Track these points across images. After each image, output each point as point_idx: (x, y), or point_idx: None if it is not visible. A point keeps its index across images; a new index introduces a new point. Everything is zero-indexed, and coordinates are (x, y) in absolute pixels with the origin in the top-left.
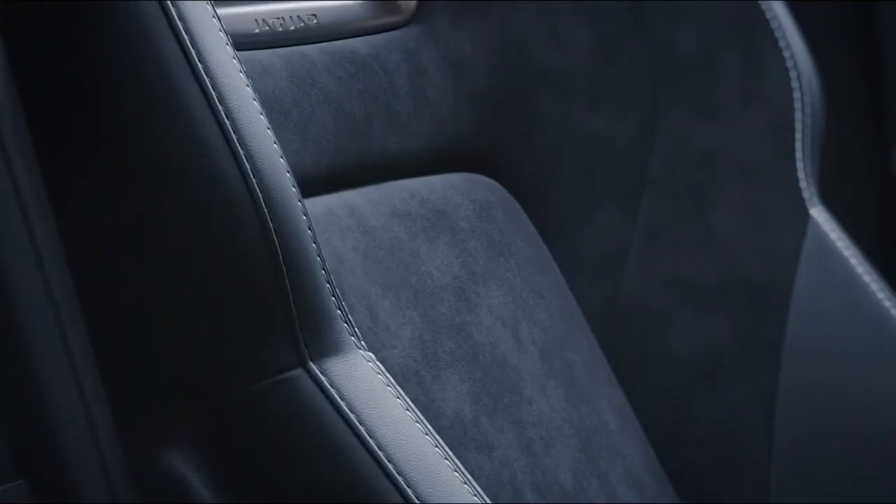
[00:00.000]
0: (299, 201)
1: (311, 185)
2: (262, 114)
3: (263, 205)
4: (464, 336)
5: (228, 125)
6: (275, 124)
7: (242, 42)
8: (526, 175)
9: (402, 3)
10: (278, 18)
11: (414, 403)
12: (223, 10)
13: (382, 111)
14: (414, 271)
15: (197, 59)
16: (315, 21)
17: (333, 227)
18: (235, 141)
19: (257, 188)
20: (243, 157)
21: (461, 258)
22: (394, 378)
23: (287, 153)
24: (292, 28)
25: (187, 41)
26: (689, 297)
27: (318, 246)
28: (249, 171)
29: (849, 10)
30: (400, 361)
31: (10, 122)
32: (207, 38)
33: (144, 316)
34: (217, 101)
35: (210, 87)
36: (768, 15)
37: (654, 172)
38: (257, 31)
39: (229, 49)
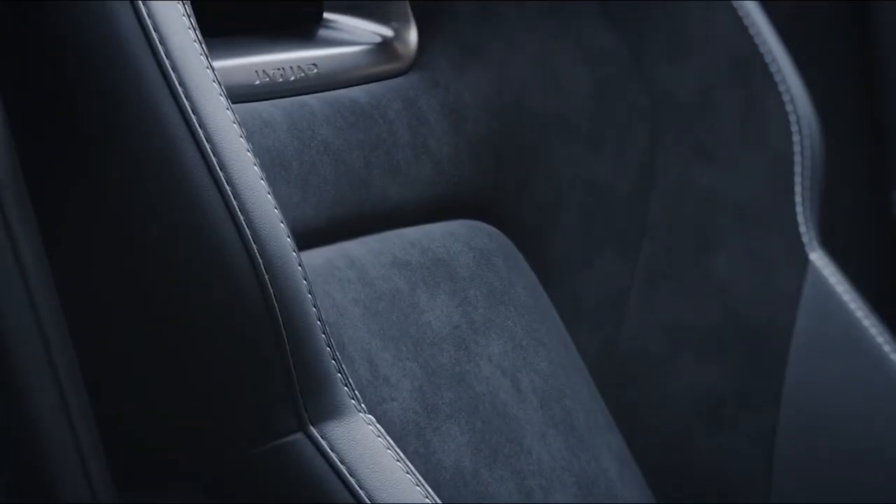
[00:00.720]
0: (300, 265)
1: (310, 237)
2: (262, 178)
3: (264, 271)
4: (464, 386)
5: (229, 191)
6: (275, 177)
7: (243, 94)
8: (526, 221)
9: (401, 49)
10: (279, 69)
11: (414, 456)
12: (223, 63)
13: (383, 160)
14: (414, 322)
15: (198, 125)
16: (315, 70)
17: (333, 279)
18: (236, 207)
19: (258, 254)
20: (244, 223)
21: (461, 307)
22: (394, 431)
23: (287, 206)
24: (292, 78)
25: (186, 104)
26: (689, 341)
27: (318, 310)
28: (250, 237)
29: (850, 51)
30: (400, 414)
31: (11, 193)
32: (204, 96)
33: (144, 376)
34: (217, 168)
35: (210, 152)
36: (767, 59)
37: (654, 217)
38: (257, 82)
39: (230, 114)
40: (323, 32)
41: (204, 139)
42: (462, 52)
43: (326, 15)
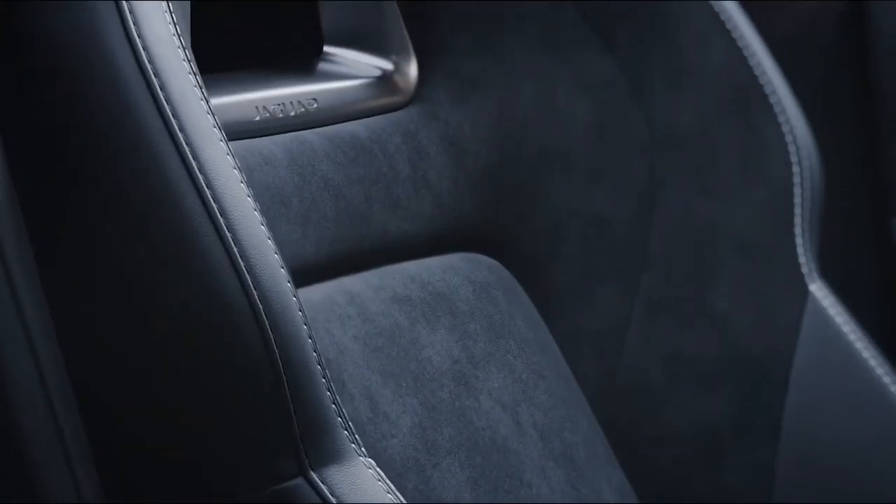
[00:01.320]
0: (300, 310)
1: (310, 273)
2: (263, 224)
3: (264, 317)
4: (464, 422)
5: (229, 237)
6: (276, 215)
7: (243, 130)
8: (526, 253)
9: (401, 82)
10: (279, 104)
11: (414, 493)
12: (223, 99)
13: (383, 195)
14: (414, 357)
15: (198, 171)
16: (315, 105)
17: (333, 315)
18: (236, 253)
19: (258, 300)
20: (244, 269)
21: (461, 342)
22: (394, 468)
23: (287, 243)
24: (293, 113)
25: (186, 150)
26: (688, 373)
27: (318, 354)
28: (250, 283)
29: (849, 80)
30: (400, 451)
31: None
32: (204, 142)
33: (143, 420)
34: (218, 214)
35: (211, 199)
36: (767, 89)
37: (654, 249)
38: (258, 118)
39: (230, 159)
40: (323, 66)
41: (204, 185)
42: (462, 85)
43: (326, 48)
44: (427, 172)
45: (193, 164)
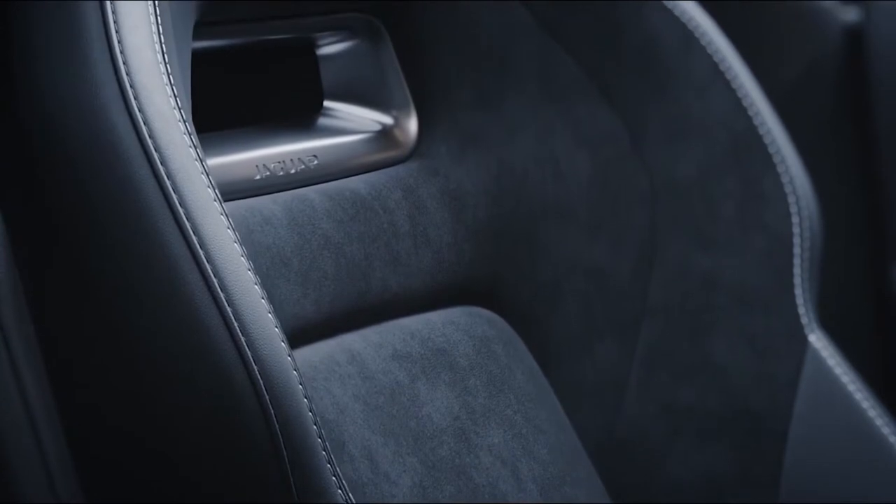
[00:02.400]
0: (300, 384)
1: (311, 332)
2: (264, 298)
3: (262, 386)
4: (464, 479)
5: (230, 312)
6: (276, 275)
7: (243, 189)
8: (526, 306)
9: (401, 137)
10: (279, 162)
11: None
12: (223, 158)
13: (383, 251)
14: (414, 415)
15: (199, 246)
16: (316, 162)
17: (334, 375)
18: (237, 328)
19: (258, 375)
20: (244, 344)
21: (461, 398)
22: None
23: (287, 302)
24: (293, 171)
25: (187, 225)
26: (688, 424)
27: (318, 427)
28: (251, 357)
29: (849, 128)
30: None
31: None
32: (205, 217)
33: (140, 485)
34: (219, 289)
35: (212, 274)
36: (766, 140)
37: (653, 300)
38: (258, 177)
39: (230, 233)
40: (323, 121)
41: (205, 260)
42: (462, 139)
43: (327, 103)
44: (427, 228)
45: (194, 238)
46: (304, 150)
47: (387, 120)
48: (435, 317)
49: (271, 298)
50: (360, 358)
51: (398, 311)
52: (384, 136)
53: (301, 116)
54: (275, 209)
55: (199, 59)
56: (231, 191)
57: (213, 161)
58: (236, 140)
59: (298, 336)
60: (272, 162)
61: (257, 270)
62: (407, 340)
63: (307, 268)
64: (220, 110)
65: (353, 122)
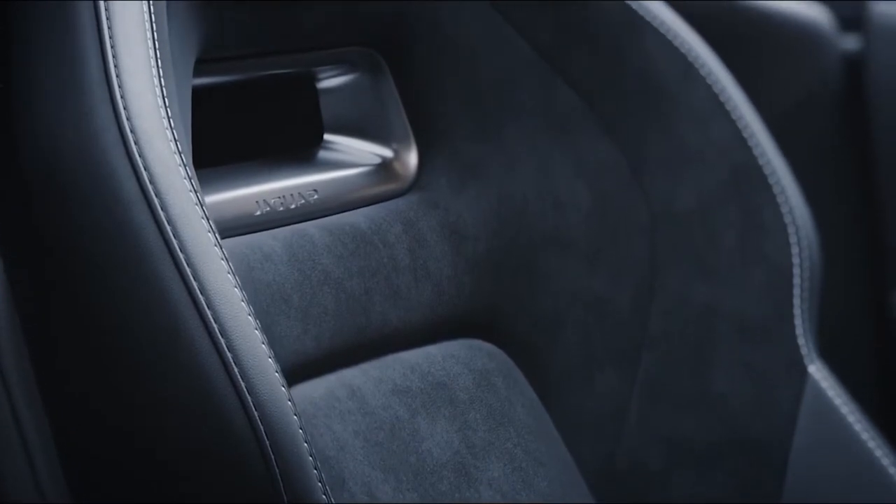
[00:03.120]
0: (301, 428)
1: (311, 368)
2: (264, 343)
3: (266, 438)
4: None
5: (230, 357)
6: (276, 312)
7: (243, 225)
8: (525, 338)
9: (401, 170)
10: (279, 197)
11: None
12: (224, 195)
13: (383, 286)
14: (414, 450)
15: (199, 292)
16: (316, 196)
17: (334, 411)
18: (237, 373)
19: (259, 420)
20: (245, 389)
21: (461, 432)
22: None
23: (288, 339)
24: (293, 206)
25: (188, 271)
26: (688, 455)
27: (318, 471)
28: (251, 403)
29: (849, 156)
30: None
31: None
32: (206, 263)
33: None
34: (219, 335)
35: (212, 319)
36: (766, 170)
37: (653, 330)
38: (258, 213)
39: (231, 277)
40: (323, 154)
41: (205, 305)
42: (462, 171)
43: (327, 136)
44: (427, 261)
45: (194, 284)
46: (305, 185)
47: (387, 153)
48: (435, 350)
49: (271, 335)
50: (361, 393)
51: (398, 344)
52: (384, 168)
53: (301, 150)
54: (275, 245)
55: (199, 94)
56: (231, 227)
57: (214, 197)
58: (236, 175)
59: (298, 372)
60: (272, 197)
61: (258, 308)
62: (407, 375)
63: (307, 304)
64: (220, 145)
65: (353, 155)
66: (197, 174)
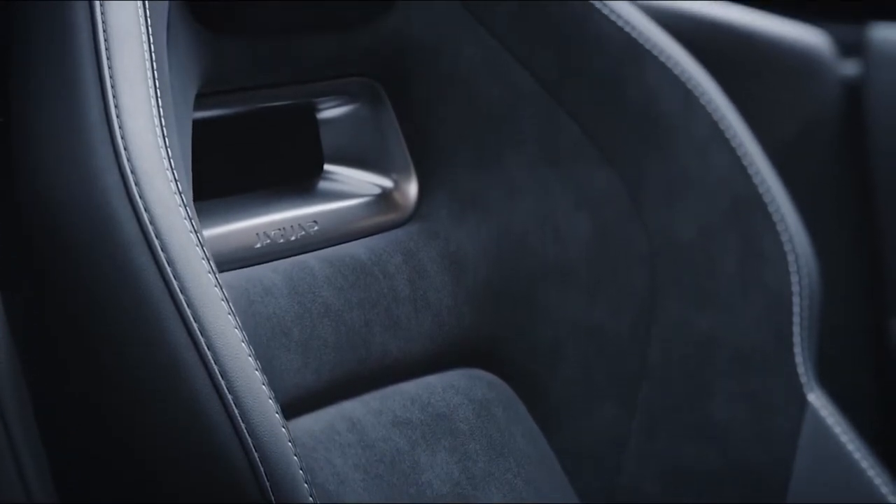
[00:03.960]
0: (301, 469)
1: (311, 400)
2: (265, 384)
3: (266, 479)
4: None
5: (230, 399)
6: (276, 345)
7: (244, 258)
8: (526, 368)
9: (401, 200)
10: (279, 229)
11: None
12: (224, 228)
13: (383, 317)
14: (414, 482)
15: (199, 333)
16: (316, 227)
17: (334, 444)
18: (237, 414)
19: (259, 462)
20: (245, 431)
21: (461, 463)
22: None
23: (288, 372)
24: (293, 238)
25: (188, 312)
26: (688, 485)
27: (314, 498)
28: (251, 444)
29: (848, 182)
30: None
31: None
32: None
33: None
34: (220, 376)
35: (212, 360)
36: (766, 199)
37: (653, 360)
38: (258, 245)
39: (231, 318)
40: (323, 185)
41: (206, 347)
42: (462, 201)
43: (327, 167)
44: (427, 291)
45: (195, 326)
46: (305, 217)
47: (387, 183)
48: (435, 380)
49: (272, 369)
50: (361, 426)
51: (398, 375)
52: (384, 199)
53: (301, 180)
54: (275, 278)
55: (198, 126)
56: (232, 260)
57: (215, 230)
58: (237, 207)
59: (298, 405)
60: (273, 229)
61: (258, 341)
62: (407, 406)
63: (307, 337)
64: (220, 176)
65: (353, 185)
66: (197, 206)
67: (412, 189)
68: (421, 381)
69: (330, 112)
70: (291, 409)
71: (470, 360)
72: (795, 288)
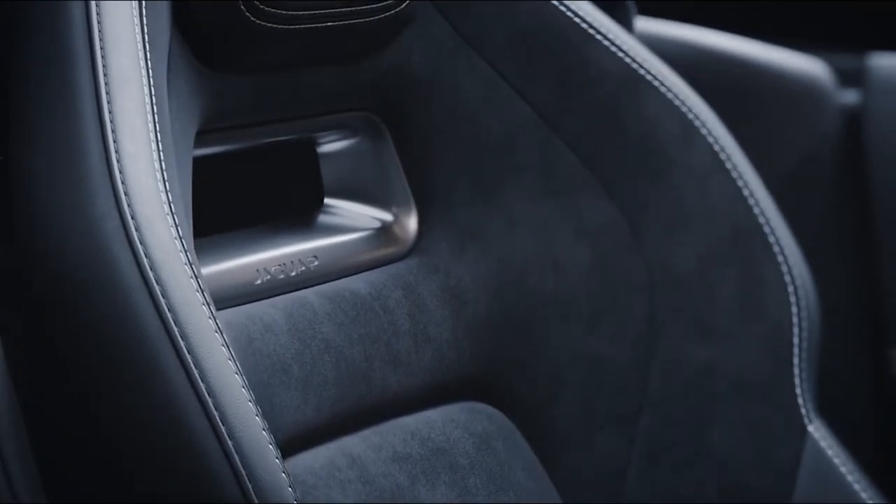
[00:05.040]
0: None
1: (311, 437)
2: (265, 429)
3: None
4: None
5: (231, 445)
6: (276, 383)
7: (244, 295)
8: (525, 400)
9: (401, 233)
10: (280, 265)
11: None
12: (224, 265)
13: (383, 352)
14: None
15: (200, 380)
16: (316, 262)
17: (335, 481)
18: (237, 459)
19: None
20: (245, 477)
21: (461, 498)
22: None
23: (288, 409)
24: (293, 273)
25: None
26: None
27: None
28: (251, 489)
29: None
30: None
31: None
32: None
33: None
34: (220, 423)
35: (213, 406)
36: (766, 229)
37: (653, 390)
38: (259, 281)
39: (231, 364)
40: (323, 219)
41: (206, 393)
42: (462, 234)
43: (327, 200)
44: (427, 325)
45: (195, 372)
46: (305, 252)
47: (387, 217)
48: (435, 415)
49: (272, 406)
50: (361, 461)
51: (398, 410)
52: (384, 232)
53: (301, 214)
54: (275, 315)
55: (198, 162)
56: (232, 296)
57: (214, 268)
58: (237, 243)
59: (298, 442)
60: (273, 265)
61: (258, 379)
62: (407, 441)
63: (308, 373)
64: (220, 211)
65: (353, 219)
66: (198, 243)
67: (412, 222)
68: (421, 416)
69: (330, 146)
70: (291, 446)
71: (470, 393)
72: (795, 318)
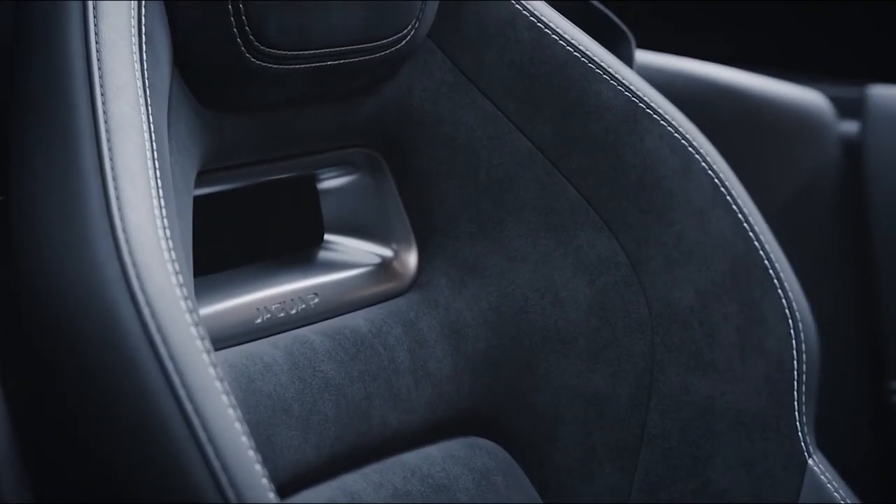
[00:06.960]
0: None
1: (311, 476)
2: (266, 477)
3: None
4: None
5: (231, 494)
6: (277, 422)
7: (244, 333)
8: (525, 435)
9: (401, 269)
10: (280, 303)
11: None
12: (224, 304)
13: (383, 389)
14: None
15: (200, 428)
16: (316, 300)
17: None
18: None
19: None
20: None
21: None
22: None
23: (289, 448)
24: (293, 311)
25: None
26: None
27: None
28: None
29: (848, 242)
30: None
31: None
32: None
33: None
34: (220, 471)
35: (213, 456)
36: (766, 262)
37: (652, 426)
38: (259, 320)
39: (232, 412)
40: (323, 255)
41: (206, 442)
42: (462, 269)
43: (327, 237)
44: (427, 362)
45: (196, 420)
46: (305, 289)
47: (387, 252)
48: (435, 451)
49: (272, 446)
50: (361, 500)
51: (398, 447)
52: (384, 268)
53: (301, 251)
54: (275, 354)
55: (198, 200)
56: (232, 335)
57: (214, 308)
58: (237, 281)
59: (299, 481)
60: (273, 303)
61: (259, 419)
62: (407, 478)
63: (308, 412)
64: (220, 249)
65: (353, 255)
66: (198, 282)
67: (412, 258)
68: (421, 452)
69: (330, 182)
70: (292, 485)
71: (470, 429)
72: (795, 352)
